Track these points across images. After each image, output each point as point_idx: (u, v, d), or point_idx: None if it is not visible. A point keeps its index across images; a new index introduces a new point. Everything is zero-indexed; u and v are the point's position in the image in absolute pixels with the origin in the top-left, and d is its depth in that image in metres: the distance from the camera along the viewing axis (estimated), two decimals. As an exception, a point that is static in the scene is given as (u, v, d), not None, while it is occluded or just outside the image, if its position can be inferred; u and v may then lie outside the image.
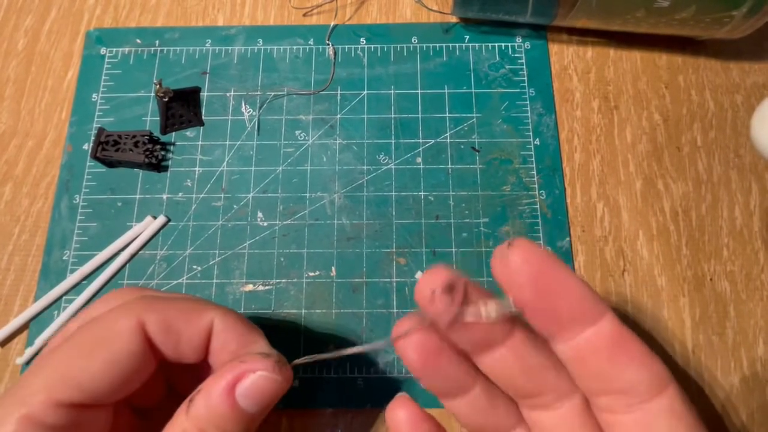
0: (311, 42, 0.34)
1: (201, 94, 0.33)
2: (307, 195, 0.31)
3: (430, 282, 0.16)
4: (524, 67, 0.33)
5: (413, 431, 0.18)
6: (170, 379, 0.22)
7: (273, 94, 0.33)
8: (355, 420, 0.27)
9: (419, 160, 0.31)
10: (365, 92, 0.33)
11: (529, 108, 0.32)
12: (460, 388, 0.18)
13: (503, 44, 0.34)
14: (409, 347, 0.17)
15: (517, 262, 0.15)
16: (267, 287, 0.29)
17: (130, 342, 0.18)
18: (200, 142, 0.32)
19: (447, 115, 0.32)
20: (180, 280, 0.29)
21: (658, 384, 0.15)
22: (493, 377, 0.18)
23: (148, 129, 0.32)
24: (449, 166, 0.31)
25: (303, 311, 0.29)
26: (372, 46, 0.34)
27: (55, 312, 0.29)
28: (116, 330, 0.18)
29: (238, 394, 0.17)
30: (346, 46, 0.34)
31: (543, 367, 0.17)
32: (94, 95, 0.33)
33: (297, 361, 0.19)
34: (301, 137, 0.32)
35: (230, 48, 0.34)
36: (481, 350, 0.17)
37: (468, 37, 0.34)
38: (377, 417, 0.27)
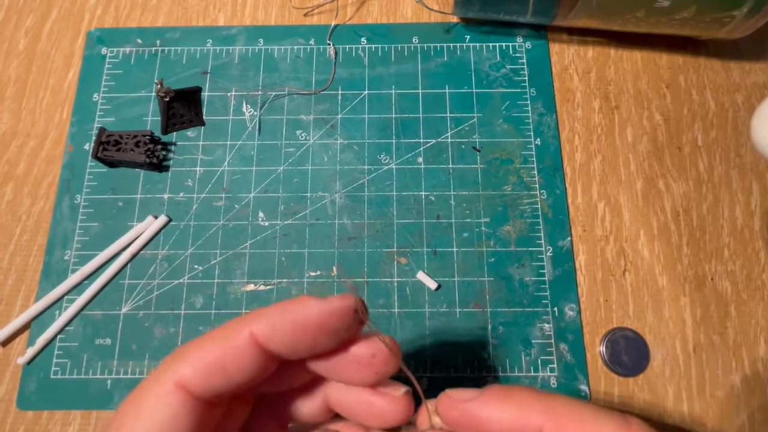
0: (312, 42, 0.34)
1: (202, 94, 0.33)
2: (308, 195, 0.31)
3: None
4: (525, 66, 0.33)
5: None
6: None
7: (274, 94, 0.33)
8: (356, 420, 0.27)
9: (420, 159, 0.31)
10: (366, 92, 0.33)
11: (530, 108, 0.32)
12: None
13: (504, 44, 0.34)
14: None
15: (446, 417, 0.18)
16: (268, 287, 0.29)
17: (171, 407, 0.16)
18: (201, 142, 0.32)
19: (448, 115, 0.32)
20: (181, 280, 0.29)
21: None
22: None
23: (149, 129, 0.32)
24: (450, 165, 0.31)
25: (304, 311, 0.29)
26: (373, 46, 0.34)
27: (57, 312, 0.29)
28: (153, 396, 0.16)
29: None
30: (347, 46, 0.34)
31: None
32: (95, 95, 0.33)
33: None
34: (302, 137, 0.32)
35: (231, 48, 0.34)
36: None
37: (469, 37, 0.34)
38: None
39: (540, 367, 0.28)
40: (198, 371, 0.16)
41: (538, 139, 0.31)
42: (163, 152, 0.31)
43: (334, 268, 0.29)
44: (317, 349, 0.17)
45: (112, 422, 0.16)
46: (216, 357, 0.17)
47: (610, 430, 0.15)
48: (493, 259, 0.29)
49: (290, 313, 0.17)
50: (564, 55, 0.33)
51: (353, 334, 0.18)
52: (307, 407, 0.20)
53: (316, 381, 0.20)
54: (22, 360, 0.28)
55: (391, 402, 0.18)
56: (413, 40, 0.34)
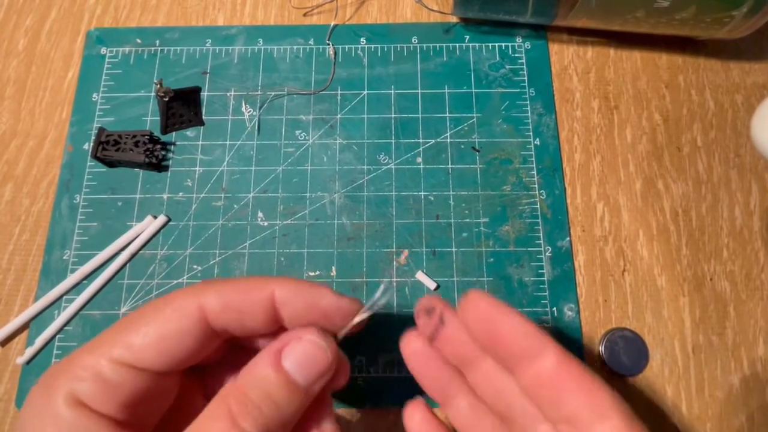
0: (311, 42, 0.34)
1: (201, 93, 0.33)
2: (308, 195, 0.31)
3: (418, 306, 0.21)
4: (524, 67, 0.33)
5: None
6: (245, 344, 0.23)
7: (273, 94, 0.33)
8: (355, 420, 0.27)
9: (419, 160, 0.31)
10: (365, 92, 0.33)
11: (529, 108, 0.32)
12: (444, 394, 0.21)
13: (503, 44, 0.34)
14: (410, 355, 0.21)
15: (470, 311, 0.18)
16: (267, 287, 0.29)
17: (186, 321, 0.18)
18: (200, 142, 0.32)
19: (447, 115, 0.32)
20: (180, 280, 0.29)
21: (600, 412, 0.16)
22: (480, 394, 0.21)
23: (149, 129, 0.32)
24: (449, 165, 0.31)
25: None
26: (372, 46, 0.34)
27: (56, 312, 0.29)
28: (175, 307, 0.18)
29: (286, 362, 0.18)
30: (347, 46, 0.34)
31: (511, 391, 0.19)
32: (94, 95, 0.33)
33: (339, 334, 0.20)
34: (301, 137, 0.32)
35: (230, 48, 0.34)
36: (463, 366, 0.21)
37: (468, 37, 0.34)
38: (377, 417, 0.27)
39: (539, 368, 0.28)
40: (220, 304, 0.19)
41: (538, 139, 0.31)
42: (163, 152, 0.31)
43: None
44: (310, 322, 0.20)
45: (136, 313, 0.19)
46: (238, 300, 0.19)
47: (607, 399, 0.17)
48: (492, 260, 0.29)
49: (309, 292, 0.19)
50: (563, 56, 0.33)
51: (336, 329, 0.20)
52: (230, 377, 0.22)
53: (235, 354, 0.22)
54: (21, 360, 0.28)
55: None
56: (413, 40, 0.34)
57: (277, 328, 0.20)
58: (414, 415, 0.22)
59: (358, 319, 0.20)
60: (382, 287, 0.20)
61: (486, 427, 0.21)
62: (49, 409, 0.17)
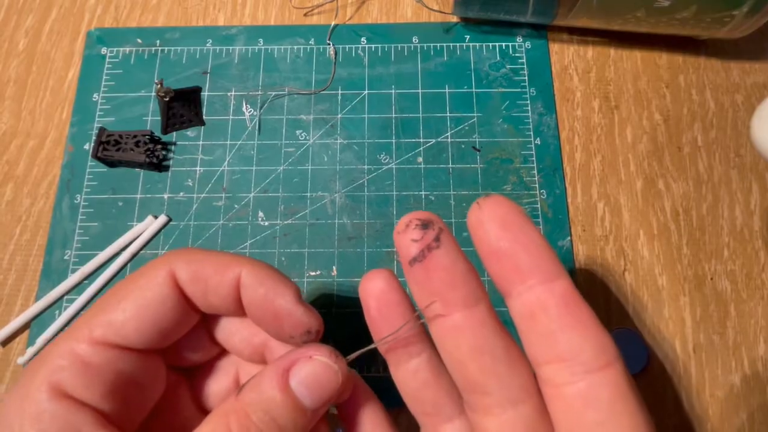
0: (312, 42, 0.34)
1: (202, 93, 0.33)
2: (308, 195, 0.31)
3: (409, 216, 0.17)
4: (525, 66, 0.33)
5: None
6: (222, 339, 0.22)
7: (274, 93, 0.33)
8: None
9: (420, 159, 0.31)
10: (366, 92, 0.33)
11: (529, 107, 0.32)
12: (407, 350, 0.18)
13: (504, 44, 0.34)
14: (370, 294, 0.18)
15: (487, 211, 0.15)
16: (268, 287, 0.29)
17: (162, 288, 0.18)
18: (201, 142, 0.32)
19: (448, 114, 0.32)
20: (181, 280, 0.29)
21: (603, 356, 0.14)
22: (444, 353, 0.16)
23: (149, 129, 0.32)
24: (450, 165, 0.31)
25: (304, 311, 0.29)
26: (373, 45, 0.34)
27: (57, 312, 0.29)
28: (149, 277, 0.18)
29: (293, 382, 0.17)
30: (347, 46, 0.34)
31: (495, 354, 0.16)
32: (95, 95, 0.33)
33: (350, 356, 0.19)
34: (302, 137, 0.32)
35: (231, 48, 0.34)
36: (439, 309, 0.16)
37: (468, 36, 0.34)
38: (378, 416, 0.27)
39: (540, 367, 0.28)
40: (189, 274, 0.18)
41: (538, 139, 0.31)
42: (163, 152, 0.31)
43: (334, 269, 0.29)
44: (262, 325, 0.19)
45: (109, 293, 0.18)
46: (207, 274, 0.18)
47: (613, 348, 0.15)
48: (492, 259, 0.29)
49: (271, 286, 0.18)
50: (564, 55, 0.33)
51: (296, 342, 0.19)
52: (218, 383, 0.21)
53: (224, 355, 0.22)
54: (22, 360, 0.28)
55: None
56: (413, 39, 0.34)
57: (241, 312, 0.19)
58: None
59: (372, 346, 0.18)
60: (409, 320, 0.17)
61: (441, 393, 0.18)
62: (30, 404, 0.16)
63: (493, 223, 0.15)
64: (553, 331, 0.15)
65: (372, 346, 0.18)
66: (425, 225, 0.16)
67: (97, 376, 0.17)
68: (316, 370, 0.17)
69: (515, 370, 0.16)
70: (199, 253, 0.19)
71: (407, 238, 0.16)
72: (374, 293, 0.17)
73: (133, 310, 0.17)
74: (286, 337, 0.19)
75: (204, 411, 0.21)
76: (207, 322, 0.21)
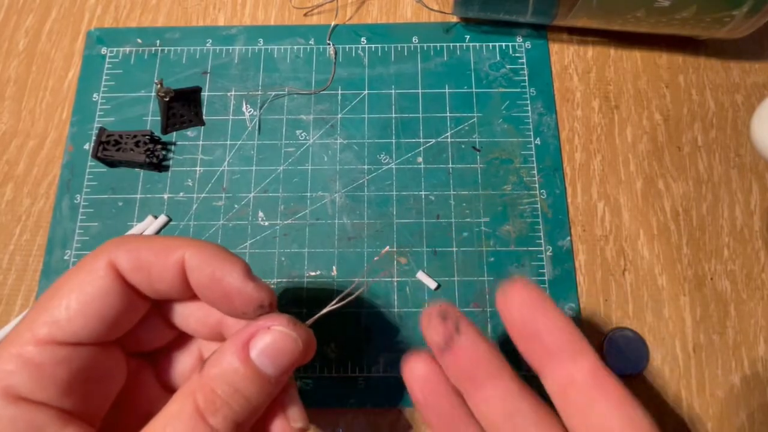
0: (312, 42, 0.34)
1: (202, 93, 0.33)
2: (308, 195, 0.31)
3: (429, 310, 0.19)
4: (525, 66, 0.33)
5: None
6: (179, 323, 0.22)
7: (274, 93, 0.33)
8: (355, 419, 0.27)
9: (420, 159, 0.31)
10: (366, 92, 0.33)
11: (529, 107, 0.32)
12: (453, 425, 0.19)
13: (504, 44, 0.34)
14: (414, 381, 0.19)
15: (511, 298, 0.18)
16: (268, 287, 0.29)
17: (103, 281, 0.18)
18: (201, 142, 0.32)
19: (448, 114, 0.32)
20: (181, 280, 0.29)
21: (632, 427, 0.16)
22: (481, 420, 0.19)
23: (149, 129, 0.32)
24: (450, 165, 0.31)
25: (304, 310, 0.29)
26: (373, 45, 0.34)
27: (57, 311, 0.29)
28: (88, 270, 0.18)
29: (254, 353, 0.17)
30: (347, 46, 0.34)
31: (525, 416, 0.17)
32: (95, 95, 0.33)
33: (309, 321, 0.20)
34: (301, 137, 0.32)
35: (231, 48, 0.34)
36: (472, 385, 0.18)
37: (468, 36, 0.34)
38: (378, 417, 0.27)
39: (540, 367, 0.28)
40: (130, 263, 0.18)
41: (538, 139, 0.31)
42: (163, 152, 0.31)
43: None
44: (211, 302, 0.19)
45: (48, 291, 0.18)
46: (149, 261, 0.18)
47: (641, 415, 0.16)
48: (492, 259, 0.29)
49: (218, 264, 0.18)
50: (564, 55, 0.33)
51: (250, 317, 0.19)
52: (183, 363, 0.21)
53: (185, 335, 0.21)
54: (22, 360, 0.27)
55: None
56: (413, 39, 0.34)
57: (191, 295, 0.19)
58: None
59: (326, 310, 0.20)
60: (354, 284, 0.20)
61: None
62: None
63: (519, 309, 0.18)
64: (585, 405, 0.16)
65: (329, 307, 0.20)
66: (444, 316, 0.19)
67: (51, 375, 0.16)
68: (275, 340, 0.18)
69: (544, 428, 0.17)
70: (139, 240, 0.19)
71: (433, 332, 0.19)
72: (419, 379, 0.19)
73: (77, 306, 0.17)
74: (239, 314, 0.19)
75: (171, 392, 0.20)
76: (160, 307, 0.20)
